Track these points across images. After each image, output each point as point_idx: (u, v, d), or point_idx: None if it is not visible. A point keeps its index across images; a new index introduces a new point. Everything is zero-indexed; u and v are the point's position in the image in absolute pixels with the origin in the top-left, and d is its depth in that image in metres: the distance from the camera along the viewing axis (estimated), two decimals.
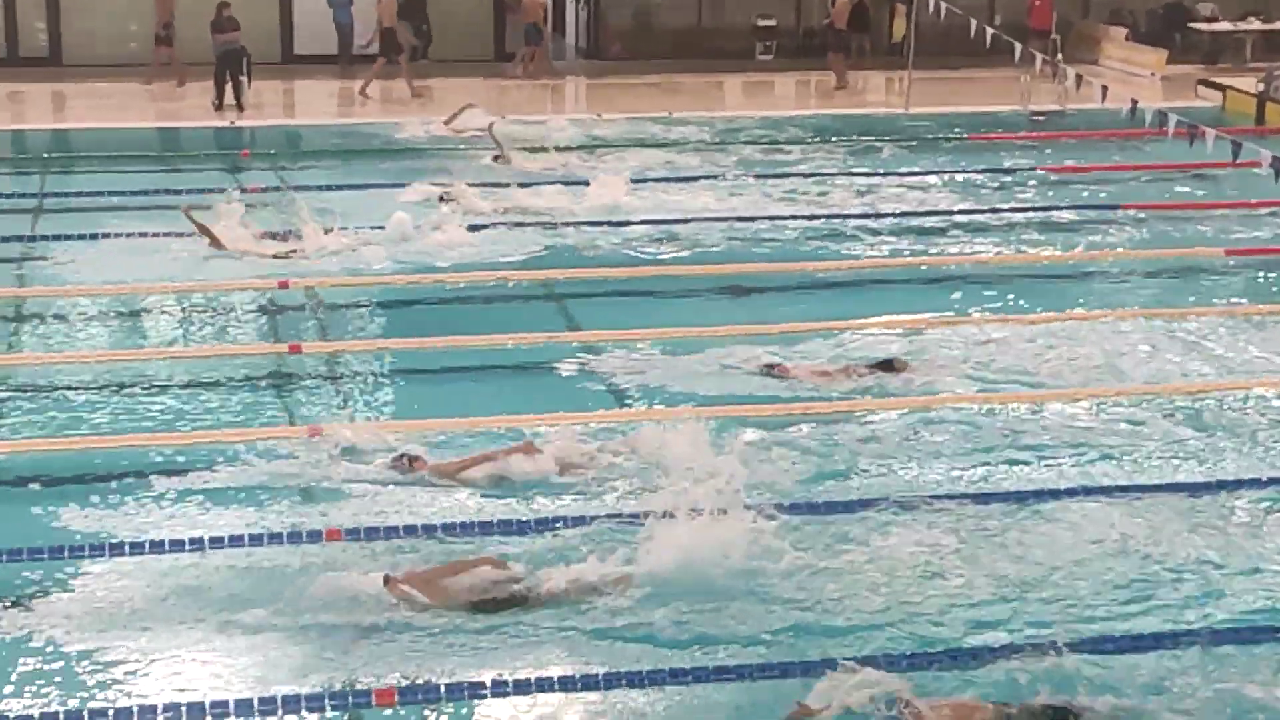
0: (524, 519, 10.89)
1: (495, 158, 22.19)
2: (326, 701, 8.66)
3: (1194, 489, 11.49)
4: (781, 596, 9.83)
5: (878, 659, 8.96)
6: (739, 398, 13.19)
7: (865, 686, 8.49)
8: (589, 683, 8.84)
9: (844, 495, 11.37)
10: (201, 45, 27.57)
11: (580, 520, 10.79)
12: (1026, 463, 12.02)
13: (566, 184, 20.96)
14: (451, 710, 8.67)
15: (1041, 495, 11.33)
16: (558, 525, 10.73)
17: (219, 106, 26.71)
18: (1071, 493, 11.36)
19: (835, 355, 14.30)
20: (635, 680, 8.82)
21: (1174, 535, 10.69)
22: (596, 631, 9.40)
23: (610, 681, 8.83)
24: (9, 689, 8.82)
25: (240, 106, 26.66)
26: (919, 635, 9.42)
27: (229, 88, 26.76)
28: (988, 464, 11.98)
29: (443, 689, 8.74)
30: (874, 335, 14.88)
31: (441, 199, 19.57)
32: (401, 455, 11.62)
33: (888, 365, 13.85)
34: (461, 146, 23.10)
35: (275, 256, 17.38)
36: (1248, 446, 12.37)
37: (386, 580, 9.67)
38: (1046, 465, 12.00)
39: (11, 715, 8.56)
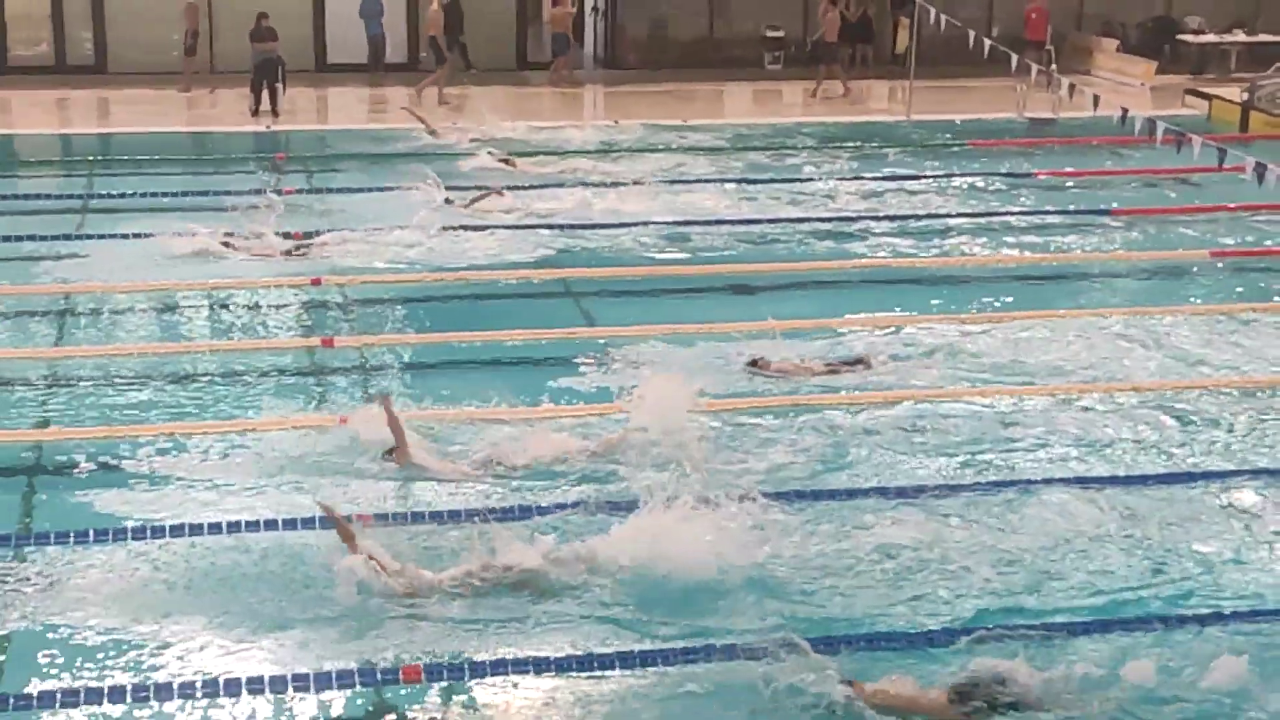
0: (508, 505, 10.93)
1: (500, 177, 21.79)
2: (356, 678, 8.75)
3: (1160, 480, 11.55)
4: (741, 581, 9.83)
5: (831, 640, 9.00)
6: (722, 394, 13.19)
7: (817, 668, 8.54)
8: (583, 664, 8.94)
9: (812, 484, 11.40)
10: (239, 54, 27.77)
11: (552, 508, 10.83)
12: (998, 454, 12.04)
13: (584, 186, 21.06)
14: (473, 686, 8.73)
15: (1003, 486, 11.37)
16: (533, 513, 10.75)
17: (255, 112, 26.79)
18: (1031, 483, 11.39)
19: (834, 350, 14.35)
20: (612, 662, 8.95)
21: (1122, 525, 10.72)
22: (593, 616, 9.49)
23: (601, 663, 8.95)
24: (78, 665, 8.95)
25: (275, 112, 26.72)
26: (875, 619, 9.47)
27: (265, 95, 26.86)
28: (954, 456, 12.00)
29: (466, 668, 8.81)
30: (871, 332, 14.89)
31: (448, 200, 19.64)
32: (390, 450, 11.59)
33: (858, 361, 13.88)
34: (478, 152, 23.09)
35: (284, 254, 17.50)
36: (1225, 438, 12.43)
37: (369, 558, 9.66)
38: (1015, 456, 12.06)
39: (95, 687, 8.70)
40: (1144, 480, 11.52)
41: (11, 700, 8.57)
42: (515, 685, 8.78)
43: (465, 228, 18.58)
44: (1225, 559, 10.33)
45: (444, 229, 18.40)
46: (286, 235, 18.01)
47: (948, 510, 10.94)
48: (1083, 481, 11.44)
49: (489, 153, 22.88)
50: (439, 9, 29.11)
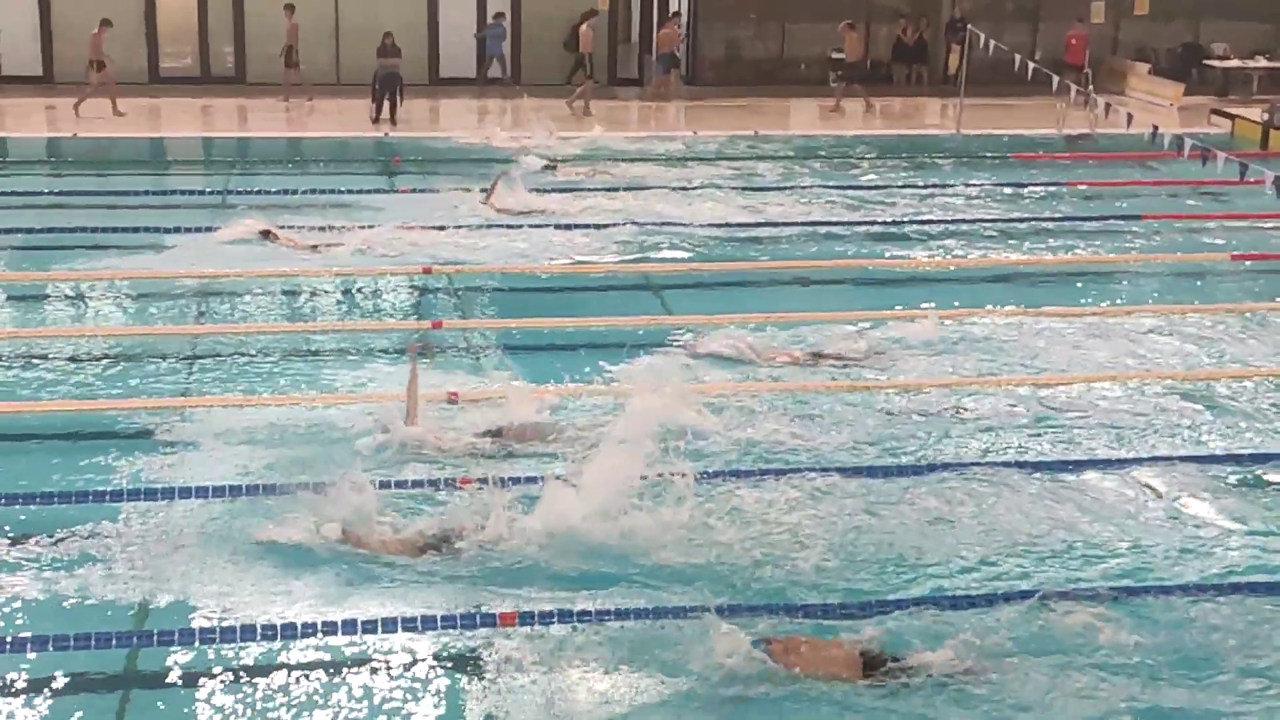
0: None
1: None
2: (459, 621, 8.74)
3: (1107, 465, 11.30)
4: (675, 549, 9.61)
5: (755, 606, 8.85)
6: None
7: (735, 630, 8.37)
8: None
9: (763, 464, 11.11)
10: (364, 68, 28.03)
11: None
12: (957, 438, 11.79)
13: (665, 189, 21.04)
14: (559, 630, 8.68)
15: (950, 466, 11.11)
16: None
17: (375, 120, 26.91)
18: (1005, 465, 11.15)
19: (878, 341, 14.12)
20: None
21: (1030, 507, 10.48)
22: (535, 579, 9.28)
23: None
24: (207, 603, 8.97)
25: (394, 121, 26.84)
26: (795, 587, 9.26)
27: (386, 105, 27.00)
28: (923, 439, 11.74)
29: (555, 614, 8.76)
30: (915, 324, 14.63)
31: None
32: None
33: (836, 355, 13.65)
34: (531, 157, 23.10)
35: (314, 248, 17.40)
36: (1241, 426, 12.22)
37: (344, 532, 9.54)
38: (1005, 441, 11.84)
39: (212, 625, 8.71)
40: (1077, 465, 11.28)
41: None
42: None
43: (556, 226, 18.57)
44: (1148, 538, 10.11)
45: (533, 227, 18.42)
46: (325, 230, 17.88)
47: (890, 489, 10.65)
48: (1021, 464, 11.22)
49: (538, 157, 22.81)
50: (589, 29, 29.16)
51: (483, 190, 19.91)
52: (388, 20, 28.68)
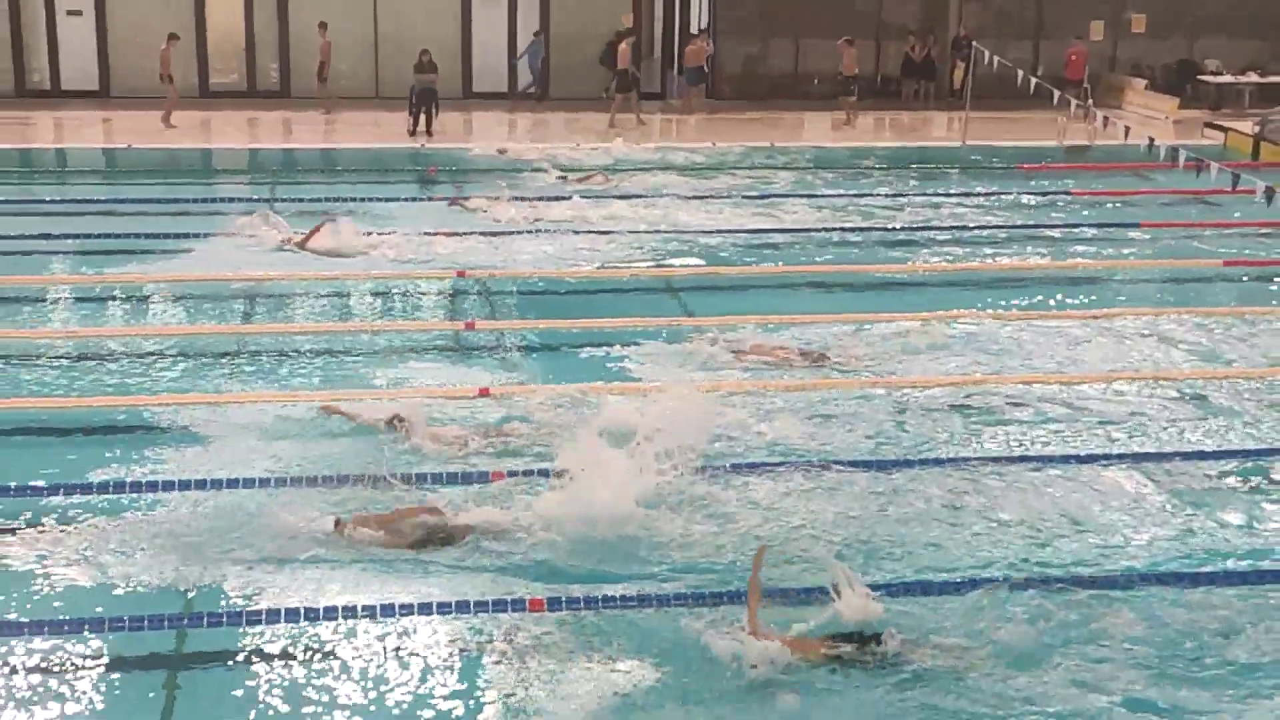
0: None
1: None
2: (490, 606, 8.78)
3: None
4: (661, 541, 9.59)
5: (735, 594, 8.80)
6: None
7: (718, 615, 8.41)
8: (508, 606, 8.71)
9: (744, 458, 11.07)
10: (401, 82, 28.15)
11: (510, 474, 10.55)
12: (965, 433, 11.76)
13: (683, 198, 21.08)
14: (591, 615, 8.68)
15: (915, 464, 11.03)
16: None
17: (413, 132, 27.03)
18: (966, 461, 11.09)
19: (880, 342, 14.10)
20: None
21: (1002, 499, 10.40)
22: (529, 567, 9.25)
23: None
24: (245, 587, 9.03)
25: (430, 133, 26.95)
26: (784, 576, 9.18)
27: (422, 118, 27.12)
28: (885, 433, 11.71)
29: (582, 600, 8.78)
30: (923, 326, 14.64)
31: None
32: (393, 417, 11.35)
33: (821, 356, 13.56)
34: (546, 167, 23.15)
35: (285, 242, 17.46)
36: (1238, 423, 12.20)
37: (336, 524, 9.50)
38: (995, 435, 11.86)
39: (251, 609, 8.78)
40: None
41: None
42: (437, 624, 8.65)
43: (589, 231, 18.64)
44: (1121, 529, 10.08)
45: (575, 232, 18.52)
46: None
47: (879, 481, 10.61)
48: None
49: (550, 168, 22.82)
50: (628, 47, 29.30)
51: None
52: (425, 38, 28.78)
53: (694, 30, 32.31)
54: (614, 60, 29.67)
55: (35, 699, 7.85)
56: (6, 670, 8.09)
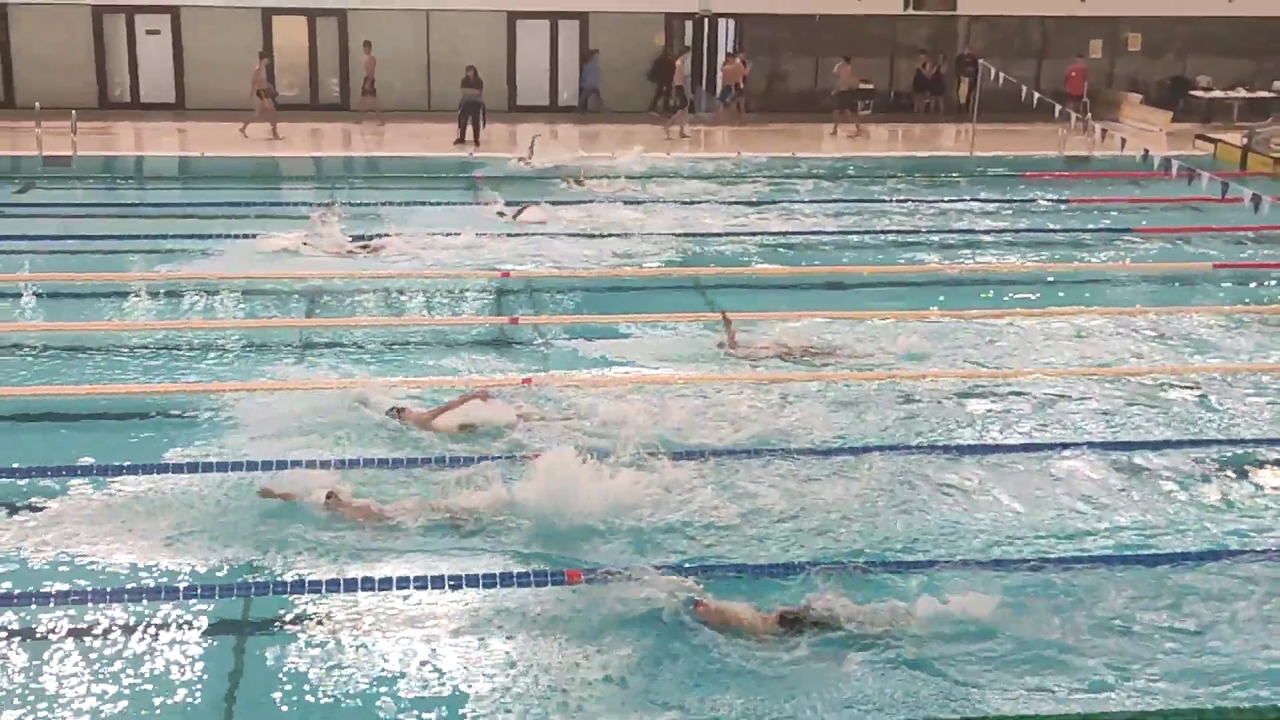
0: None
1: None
2: (533, 577, 8.78)
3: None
4: (625, 517, 9.53)
5: (686, 566, 8.77)
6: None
7: (670, 589, 8.31)
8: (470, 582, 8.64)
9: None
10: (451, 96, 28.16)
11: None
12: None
13: (710, 203, 21.03)
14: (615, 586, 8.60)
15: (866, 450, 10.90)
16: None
17: (460, 141, 27.05)
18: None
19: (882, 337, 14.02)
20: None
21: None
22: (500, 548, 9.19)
23: None
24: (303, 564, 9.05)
25: (476, 143, 26.97)
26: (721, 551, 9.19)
27: (469, 129, 27.14)
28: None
29: (610, 575, 8.65)
30: (932, 324, 14.62)
31: (500, 213, 19.56)
32: (391, 408, 11.24)
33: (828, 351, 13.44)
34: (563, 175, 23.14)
35: (350, 253, 17.27)
36: (1213, 414, 12.11)
37: (328, 496, 9.40)
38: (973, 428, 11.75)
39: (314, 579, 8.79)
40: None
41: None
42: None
43: (623, 234, 18.65)
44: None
45: (610, 235, 18.49)
46: (355, 238, 17.74)
47: (819, 470, 10.48)
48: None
49: (577, 178, 22.67)
50: (683, 64, 29.38)
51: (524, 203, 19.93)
52: (472, 55, 28.80)
53: (727, 50, 32.17)
54: (663, 76, 29.66)
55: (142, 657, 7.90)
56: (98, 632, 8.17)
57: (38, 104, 25.40)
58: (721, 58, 32.19)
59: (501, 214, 19.61)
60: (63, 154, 24.05)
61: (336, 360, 13.18)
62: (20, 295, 15.72)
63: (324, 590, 8.60)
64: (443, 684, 7.73)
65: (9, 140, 26.07)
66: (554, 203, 20.36)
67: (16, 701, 7.49)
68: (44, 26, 30.04)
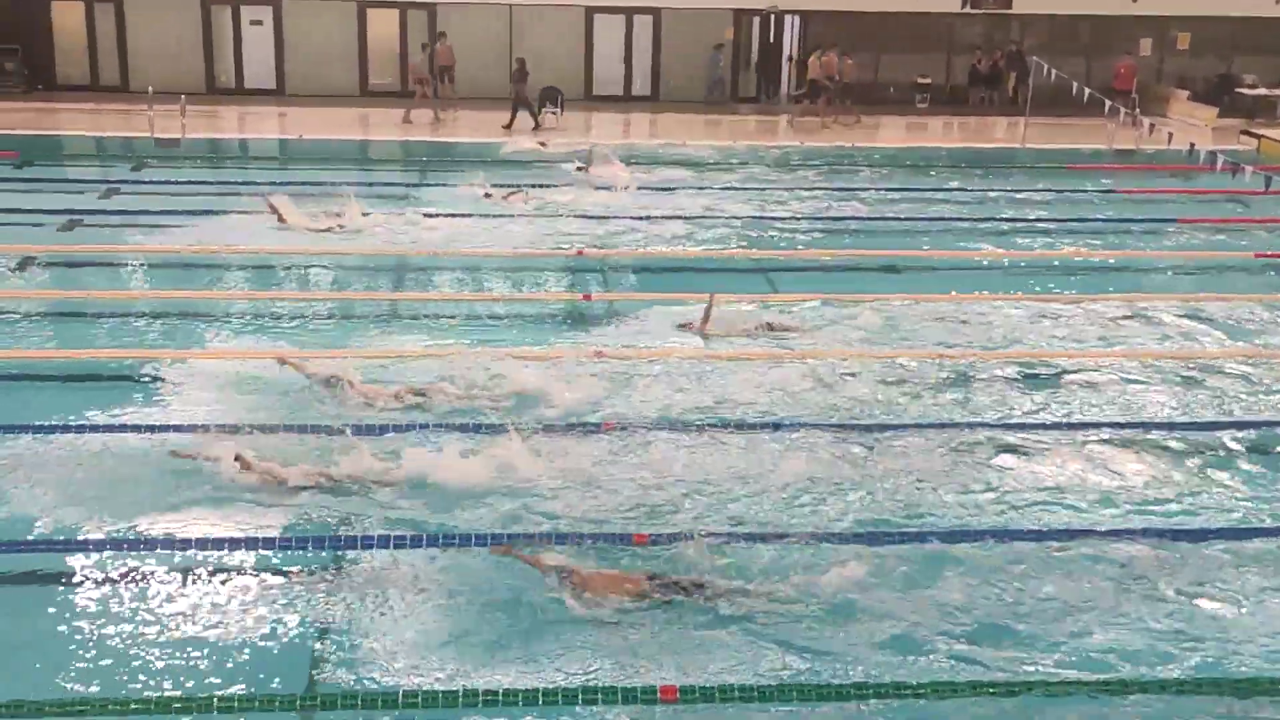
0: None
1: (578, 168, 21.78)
2: (408, 541, 8.62)
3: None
4: (518, 491, 9.33)
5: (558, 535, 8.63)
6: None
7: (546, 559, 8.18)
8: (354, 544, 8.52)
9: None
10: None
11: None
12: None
13: (775, 189, 20.89)
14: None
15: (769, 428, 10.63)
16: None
17: (536, 128, 27.17)
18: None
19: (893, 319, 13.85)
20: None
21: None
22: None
23: None
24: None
25: (536, 126, 27.08)
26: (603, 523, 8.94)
27: (518, 118, 27.17)
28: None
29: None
30: (982, 307, 14.44)
31: (487, 195, 19.35)
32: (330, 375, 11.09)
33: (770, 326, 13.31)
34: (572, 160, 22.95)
35: (322, 230, 17.13)
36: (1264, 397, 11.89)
37: (236, 458, 9.30)
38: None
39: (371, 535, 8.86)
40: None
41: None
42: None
43: (692, 216, 18.60)
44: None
45: (652, 218, 18.42)
46: (329, 215, 17.53)
47: (709, 444, 10.24)
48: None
49: (575, 162, 22.49)
50: (816, 60, 29.10)
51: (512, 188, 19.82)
52: (554, 47, 28.79)
53: (830, 44, 31.61)
54: (772, 70, 29.53)
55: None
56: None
57: (150, 89, 25.80)
58: (799, 51, 31.75)
59: (488, 195, 19.41)
60: (172, 136, 24.42)
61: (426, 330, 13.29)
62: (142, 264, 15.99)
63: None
64: (308, 640, 7.61)
65: (124, 122, 26.53)
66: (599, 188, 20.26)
67: None
68: (157, 17, 30.55)
